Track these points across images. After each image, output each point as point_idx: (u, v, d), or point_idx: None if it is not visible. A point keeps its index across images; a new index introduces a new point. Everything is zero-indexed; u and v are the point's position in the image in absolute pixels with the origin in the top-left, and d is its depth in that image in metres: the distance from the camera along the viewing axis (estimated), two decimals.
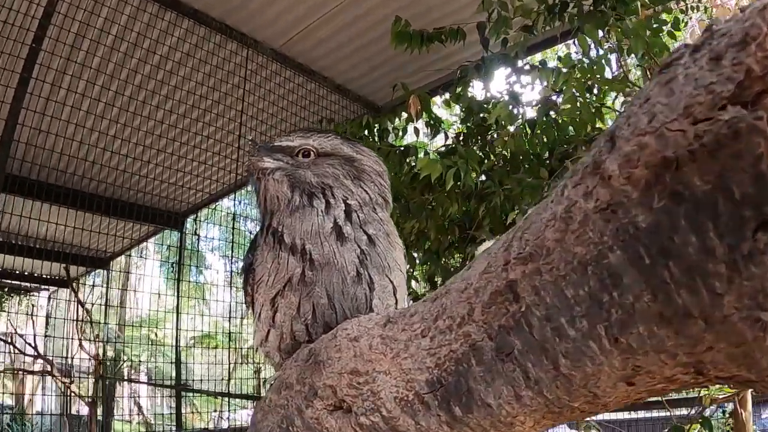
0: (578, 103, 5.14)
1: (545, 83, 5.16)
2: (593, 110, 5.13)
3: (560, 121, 5.42)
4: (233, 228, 8.95)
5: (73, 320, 9.48)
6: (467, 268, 1.23)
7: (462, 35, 5.47)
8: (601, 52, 5.07)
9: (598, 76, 4.99)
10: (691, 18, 6.20)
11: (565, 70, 4.95)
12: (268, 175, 1.98)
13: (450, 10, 6.08)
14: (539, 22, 5.18)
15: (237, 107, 6.70)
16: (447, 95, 6.65)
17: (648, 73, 5.62)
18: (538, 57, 6.46)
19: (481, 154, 5.68)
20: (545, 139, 5.37)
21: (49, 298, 12.02)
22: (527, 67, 5.55)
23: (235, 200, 8.85)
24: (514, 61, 5.41)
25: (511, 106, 5.32)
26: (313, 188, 1.95)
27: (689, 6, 5.93)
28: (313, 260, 1.83)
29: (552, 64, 5.55)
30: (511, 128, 5.57)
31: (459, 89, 5.91)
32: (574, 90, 4.97)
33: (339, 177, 1.99)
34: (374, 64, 7.17)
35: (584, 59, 4.92)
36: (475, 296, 1.13)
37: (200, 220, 9.60)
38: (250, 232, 11.74)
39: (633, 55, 5.21)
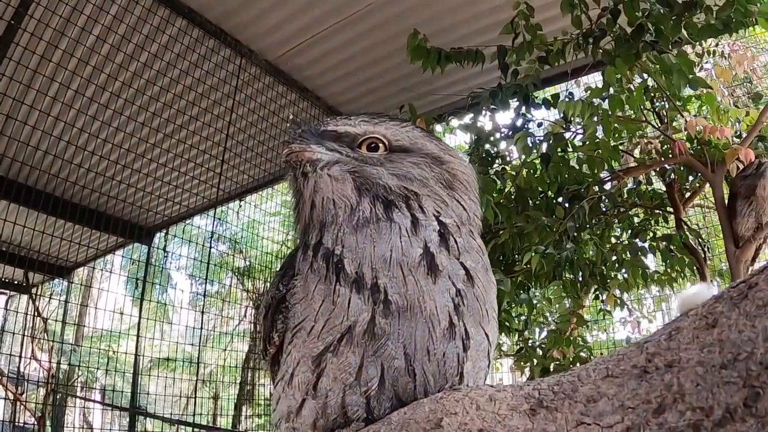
0: (596, 141, 4.87)
1: (569, 115, 4.81)
2: (611, 149, 4.84)
3: (577, 158, 5.12)
4: (207, 247, 8.42)
5: (29, 329, 8.86)
6: (708, 325, 0.86)
7: (481, 58, 5.11)
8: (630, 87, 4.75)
9: (619, 113, 4.70)
10: (707, 61, 5.97)
11: (595, 101, 4.64)
12: (320, 169, 1.46)
13: (460, 34, 5.76)
14: (567, 50, 4.86)
15: (225, 118, 6.23)
16: (454, 121, 6.30)
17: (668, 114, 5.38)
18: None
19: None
20: (557, 177, 5.01)
21: (6, 303, 11.32)
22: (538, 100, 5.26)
23: (214, 219, 8.23)
24: (527, 93, 5.09)
25: (528, 139, 4.97)
26: (391, 194, 1.42)
27: (706, 50, 5.72)
28: (390, 302, 1.30)
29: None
30: (515, 161, 5.37)
31: (468, 117, 5.54)
32: (599, 126, 4.68)
33: (428, 182, 1.46)
34: (371, 87, 6.82)
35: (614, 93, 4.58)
36: (765, 376, 0.76)
37: (171, 236, 8.99)
38: (222, 255, 11.24)
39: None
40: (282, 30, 5.94)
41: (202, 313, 8.52)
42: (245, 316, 12.03)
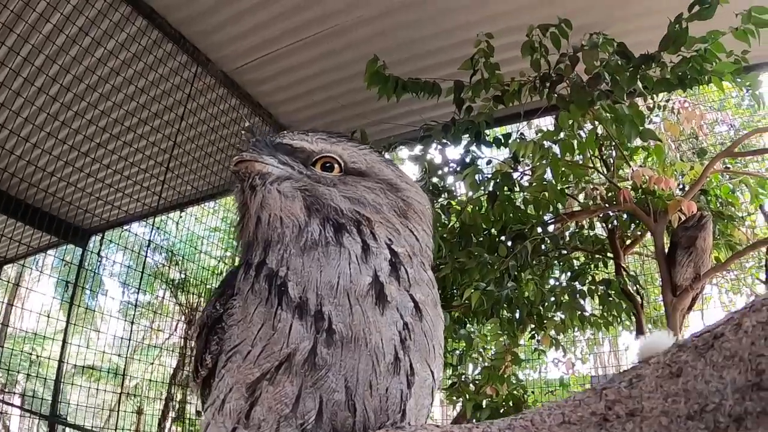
0: (544, 183, 4.94)
1: (520, 156, 4.87)
2: (558, 192, 4.91)
3: (524, 198, 5.18)
4: (143, 255, 8.21)
5: None
6: (672, 374, 0.84)
7: (437, 91, 5.14)
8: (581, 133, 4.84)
9: (568, 157, 4.78)
10: (656, 115, 6.12)
11: (546, 144, 4.71)
12: (270, 183, 1.38)
13: (419, 65, 5.76)
14: (523, 92, 4.94)
15: (174, 125, 6.09)
16: (404, 151, 6.31)
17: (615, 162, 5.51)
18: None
19: None
20: (501, 215, 5.05)
21: None
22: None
23: (153, 227, 8.01)
24: (479, 130, 5.15)
25: (477, 175, 5.01)
26: (342, 218, 1.35)
27: (657, 104, 5.87)
28: (333, 331, 1.23)
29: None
30: (461, 196, 5.42)
31: (418, 148, 5.56)
32: (548, 168, 4.76)
33: (382, 208, 1.40)
34: (325, 110, 6.79)
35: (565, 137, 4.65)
36: (734, 428, 0.76)
37: (107, 241, 8.72)
38: (157, 265, 10.96)
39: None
40: (242, 42, 5.87)
41: (132, 323, 8.28)
42: (176, 330, 11.75)
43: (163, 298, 12.05)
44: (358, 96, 6.12)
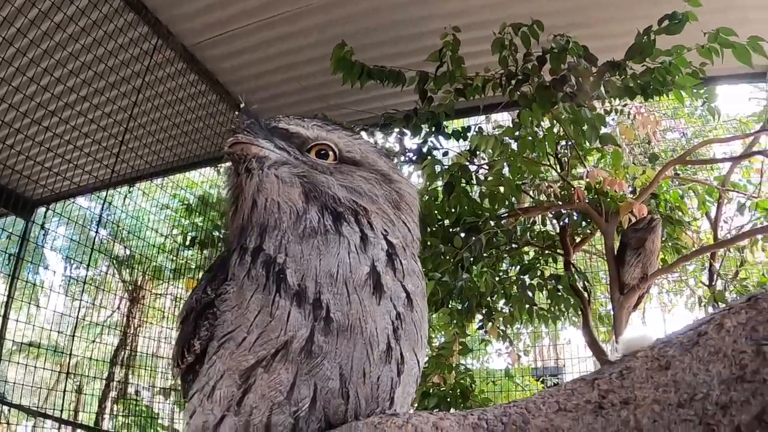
0: (501, 178, 5.00)
1: (480, 149, 4.93)
2: (514, 187, 4.98)
3: (480, 191, 5.24)
4: (89, 230, 8.02)
5: None
6: (660, 366, 0.91)
7: (402, 80, 5.15)
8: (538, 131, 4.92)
9: (526, 154, 4.86)
10: (612, 118, 6.25)
11: (505, 139, 4.76)
12: (267, 168, 1.36)
13: (385, 53, 5.73)
14: (487, 87, 4.99)
15: (131, 97, 5.93)
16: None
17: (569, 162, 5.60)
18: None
19: None
20: (456, 207, 5.09)
21: None
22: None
23: (104, 202, 7.82)
24: (439, 121, 5.18)
25: (436, 166, 5.05)
26: (340, 206, 1.35)
27: (614, 109, 5.99)
28: (331, 319, 1.23)
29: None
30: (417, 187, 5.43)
31: (379, 136, 5.58)
32: (506, 163, 4.82)
33: (378, 199, 1.40)
34: (285, 91, 6.71)
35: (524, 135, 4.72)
36: (720, 415, 0.84)
37: (53, 213, 8.46)
38: (103, 240, 10.70)
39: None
40: (205, 17, 5.75)
41: (74, 299, 8.10)
42: (119, 307, 11.52)
43: (107, 274, 11.80)
44: (320, 79, 6.07)
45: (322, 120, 1.49)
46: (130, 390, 10.43)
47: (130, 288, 11.16)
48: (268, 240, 1.31)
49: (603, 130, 4.63)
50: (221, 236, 6.81)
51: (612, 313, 5.22)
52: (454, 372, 5.26)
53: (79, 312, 8.52)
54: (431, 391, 5.09)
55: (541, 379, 8.77)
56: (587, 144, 5.09)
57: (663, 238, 5.29)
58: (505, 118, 6.92)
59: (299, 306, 1.22)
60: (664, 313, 8.86)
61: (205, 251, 7.49)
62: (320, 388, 1.21)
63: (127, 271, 11.37)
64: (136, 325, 10.29)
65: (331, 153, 1.42)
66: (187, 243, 7.24)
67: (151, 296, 10.41)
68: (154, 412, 9.67)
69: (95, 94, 5.80)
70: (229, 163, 1.44)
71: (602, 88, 4.55)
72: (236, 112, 1.47)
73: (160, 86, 6.13)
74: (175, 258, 8.70)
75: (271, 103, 6.73)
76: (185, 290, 8.74)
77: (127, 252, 10.93)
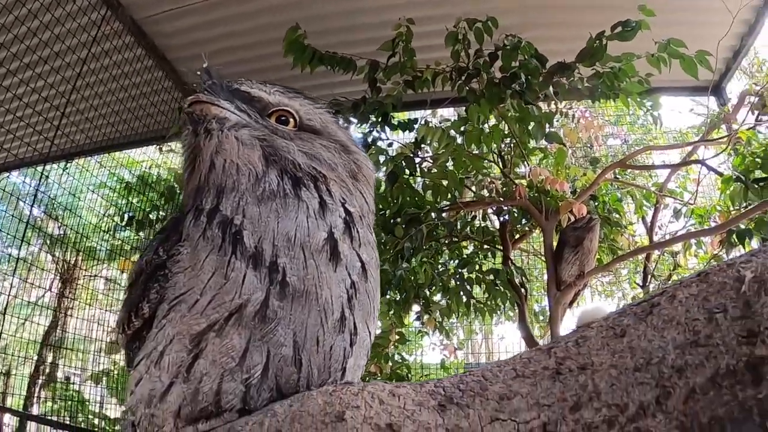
0: (445, 171, 5.05)
1: (427, 141, 4.96)
2: (458, 180, 5.03)
3: (424, 183, 5.28)
4: (22, 204, 7.78)
5: None
6: (616, 334, 0.96)
7: (353, 67, 5.13)
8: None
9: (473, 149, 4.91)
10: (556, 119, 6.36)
11: (452, 133, 4.84)
12: (227, 129, 1.34)
13: (338, 39, 5.71)
14: (436, 81, 5.03)
15: (76, 68, 5.76)
16: None
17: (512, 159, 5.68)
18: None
19: None
20: (398, 198, 5.12)
21: None
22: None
23: (42, 176, 7.53)
24: (386, 111, 5.20)
25: (380, 155, 5.06)
26: (299, 171, 1.34)
27: (559, 110, 6.09)
28: (287, 284, 1.20)
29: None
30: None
31: None
32: (451, 156, 4.86)
33: (337, 167, 1.40)
34: (233, 72, 6.49)
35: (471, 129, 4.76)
36: (676, 377, 0.88)
37: None
38: (36, 217, 10.36)
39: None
40: None
41: (5, 278, 7.86)
42: (51, 288, 11.19)
43: (39, 252, 11.46)
44: (269, 62, 6.02)
45: (284, 87, 1.48)
46: (60, 374, 10.14)
47: (62, 268, 10.86)
48: (225, 201, 1.29)
49: (549, 129, 4.70)
50: (159, 218, 6.69)
51: (542, 310, 5.31)
52: (390, 362, 5.28)
53: (9, 291, 8.26)
54: (367, 379, 5.10)
55: None
56: (531, 143, 5.18)
57: (600, 239, 5.41)
58: (450, 113, 6.98)
59: (255, 269, 1.21)
60: None
61: (141, 233, 7.34)
62: (273, 355, 1.19)
63: (61, 250, 11.05)
64: (67, 306, 10.02)
65: (291, 120, 1.42)
66: (124, 223, 7.08)
67: (84, 277, 10.16)
68: (84, 397, 9.43)
69: (39, 63, 5.59)
70: (186, 124, 1.41)
71: (551, 89, 4.62)
72: (198, 72, 1.43)
73: (105, 59, 5.95)
74: (110, 239, 8.50)
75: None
76: (120, 272, 8.56)
77: (61, 231, 10.63)
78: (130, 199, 7.80)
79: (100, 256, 9.26)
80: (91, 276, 9.94)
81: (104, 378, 8.68)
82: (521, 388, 0.97)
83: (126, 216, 6.89)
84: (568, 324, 5.10)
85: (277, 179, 1.30)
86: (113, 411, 8.19)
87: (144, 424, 1.26)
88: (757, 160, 4.59)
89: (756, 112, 5.10)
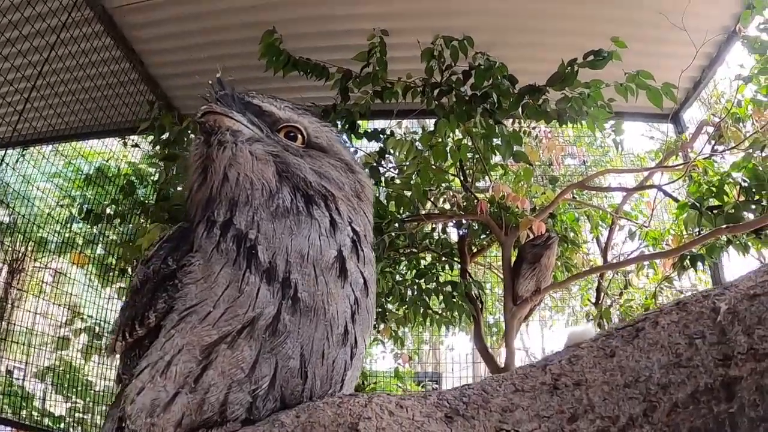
0: (410, 182, 5.12)
1: (395, 152, 5.03)
2: (422, 192, 5.10)
3: (388, 193, 5.33)
4: None
5: None
6: (606, 354, 1.08)
7: (325, 74, 5.16)
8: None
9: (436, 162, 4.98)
10: None
11: (419, 146, 4.95)
12: (241, 142, 1.35)
13: (313, 45, 5.72)
14: (407, 93, 5.11)
15: (43, 53, 5.63)
16: None
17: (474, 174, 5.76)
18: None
19: None
20: None
21: None
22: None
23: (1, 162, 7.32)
24: (354, 120, 5.24)
25: None
26: (311, 189, 1.36)
27: (523, 130, 6.20)
28: (298, 299, 1.24)
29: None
30: None
31: None
32: (417, 168, 4.92)
33: (344, 187, 1.43)
34: (202, 69, 6.33)
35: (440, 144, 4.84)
36: (661, 393, 0.99)
37: None
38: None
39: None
40: None
41: None
42: None
43: None
44: (241, 62, 5.97)
45: (293, 103, 1.51)
46: (2, 368, 9.86)
47: (9, 258, 10.58)
48: (238, 215, 1.31)
49: (516, 148, 4.79)
50: (117, 212, 6.58)
51: (496, 323, 5.38)
52: None
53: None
54: None
55: (421, 384, 8.93)
56: (494, 159, 5.27)
57: (557, 256, 5.53)
58: (412, 124, 7.06)
59: (269, 283, 1.23)
60: (543, 329, 9.30)
61: (95, 226, 7.21)
62: (281, 367, 1.22)
63: (11, 238, 10.77)
64: (14, 297, 9.76)
65: (299, 136, 1.44)
66: (82, 215, 6.93)
67: (32, 268, 9.91)
68: (29, 392, 9.18)
69: (6, 45, 5.48)
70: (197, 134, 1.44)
71: (520, 110, 4.72)
72: (210, 81, 1.44)
73: (73, 46, 5.82)
74: (63, 230, 8.31)
75: (188, 79, 6.53)
76: (70, 265, 8.37)
77: (12, 219, 10.36)
78: (87, 191, 7.67)
79: (50, 247, 9.04)
80: (41, 267, 9.69)
81: (50, 374, 8.44)
82: (522, 401, 1.05)
83: (84, 209, 6.75)
84: (523, 338, 5.21)
85: (291, 196, 1.33)
86: (58, 408, 7.98)
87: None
88: (712, 188, 4.76)
89: (713, 143, 5.28)
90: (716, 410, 0.94)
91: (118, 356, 1.48)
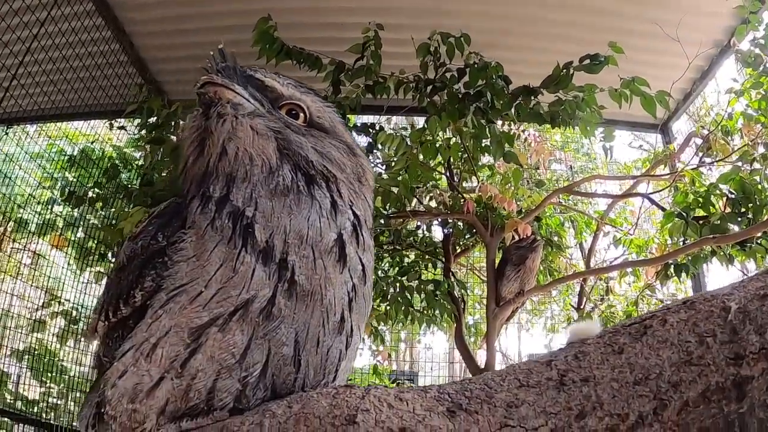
0: (398, 178, 5.09)
1: (385, 147, 5.01)
2: (409, 189, 5.08)
3: (375, 189, 5.29)
4: None
5: None
6: (614, 351, 1.06)
7: (318, 65, 5.12)
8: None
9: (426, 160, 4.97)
10: None
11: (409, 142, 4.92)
12: (241, 116, 1.30)
13: (308, 35, 5.65)
14: (399, 89, 5.09)
15: (33, 29, 5.51)
16: None
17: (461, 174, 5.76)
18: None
19: None
20: None
21: None
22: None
23: None
24: (344, 113, 5.21)
25: None
26: (312, 169, 1.31)
27: (515, 134, 6.20)
28: (295, 282, 1.18)
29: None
30: None
31: None
32: (406, 165, 4.91)
33: (345, 169, 1.38)
34: (194, 54, 6.31)
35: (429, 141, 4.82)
36: (672, 391, 0.97)
37: None
38: None
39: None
40: None
41: None
42: None
43: None
44: (233, 49, 5.89)
45: (296, 81, 1.46)
46: None
47: None
48: (236, 191, 1.26)
49: (507, 148, 4.78)
50: (99, 195, 6.48)
51: (475, 324, 5.38)
52: None
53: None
54: None
55: (396, 382, 8.90)
56: (483, 159, 5.27)
57: (541, 259, 5.54)
58: (400, 121, 7.05)
59: (265, 264, 1.18)
60: (521, 332, 9.36)
61: (77, 209, 7.10)
62: (273, 354, 1.18)
63: None
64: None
65: (301, 114, 1.39)
66: (64, 197, 6.82)
67: (10, 249, 9.77)
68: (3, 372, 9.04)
69: None
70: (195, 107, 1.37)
71: (513, 110, 4.71)
72: (212, 53, 1.39)
73: (64, 23, 5.72)
74: (43, 211, 8.19)
75: (178, 64, 6.49)
76: (49, 247, 8.25)
77: None
78: (70, 173, 7.56)
79: (30, 228, 8.90)
80: (20, 249, 9.54)
81: (25, 357, 8.29)
82: (527, 396, 1.03)
83: (66, 191, 6.65)
84: (500, 340, 5.21)
85: (291, 174, 1.28)
86: (31, 392, 7.85)
87: (122, 419, 1.19)
88: (699, 199, 4.78)
89: (701, 154, 5.32)
90: (726, 410, 0.93)
91: (96, 340, 1.41)
